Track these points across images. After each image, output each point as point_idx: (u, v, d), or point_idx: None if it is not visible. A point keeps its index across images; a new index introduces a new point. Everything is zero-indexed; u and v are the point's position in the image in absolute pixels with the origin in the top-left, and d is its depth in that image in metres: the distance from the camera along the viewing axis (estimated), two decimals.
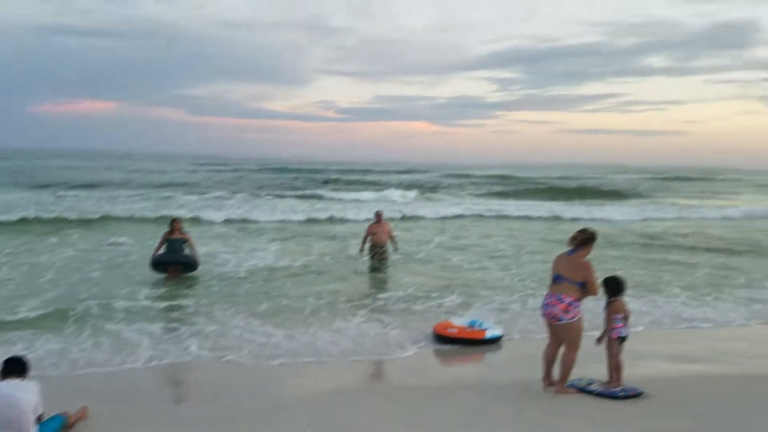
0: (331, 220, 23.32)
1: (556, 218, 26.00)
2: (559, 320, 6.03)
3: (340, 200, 32.67)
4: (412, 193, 38.37)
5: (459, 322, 8.48)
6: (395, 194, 36.99)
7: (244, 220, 21.80)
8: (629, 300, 10.38)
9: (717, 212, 29.40)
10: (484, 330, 8.27)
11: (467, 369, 7.72)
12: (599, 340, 6.34)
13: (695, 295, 11.42)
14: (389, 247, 13.09)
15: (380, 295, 10.98)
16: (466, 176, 63.65)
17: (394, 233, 13.45)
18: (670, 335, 9.01)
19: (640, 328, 9.04)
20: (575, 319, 5.99)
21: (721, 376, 6.98)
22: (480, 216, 26.04)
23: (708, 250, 17.38)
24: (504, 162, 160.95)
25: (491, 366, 7.87)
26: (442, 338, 8.23)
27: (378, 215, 13.23)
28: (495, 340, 8.27)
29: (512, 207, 29.34)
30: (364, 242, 13.10)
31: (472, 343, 8.13)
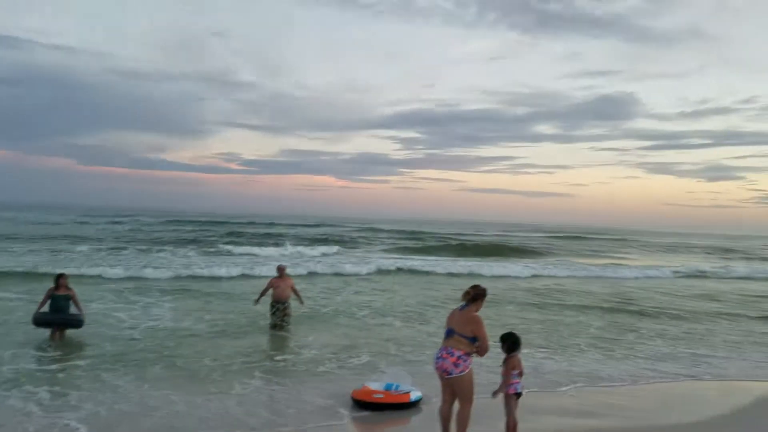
0: (232, 275, 22.65)
1: (460, 274, 26.71)
2: (449, 374, 6.11)
3: (242, 255, 31.93)
4: (321, 248, 37.47)
5: (376, 386, 8.17)
6: (304, 249, 36.46)
7: (139, 277, 20.72)
8: (541, 357, 10.91)
9: (601, 271, 31.34)
10: (408, 393, 8.08)
11: None
12: (495, 393, 6.53)
13: (598, 352, 11.97)
14: (292, 302, 12.86)
15: (282, 356, 10.77)
16: (374, 230, 64.24)
17: (298, 287, 13.30)
18: (569, 391, 9.26)
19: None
20: (465, 372, 6.07)
21: (609, 429, 7.40)
22: (387, 271, 26.33)
23: (596, 307, 18.27)
24: (409, 217, 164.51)
25: (402, 428, 7.74)
26: (365, 405, 7.88)
27: (280, 269, 12.99)
28: (417, 402, 8.10)
29: (417, 262, 29.91)
30: (262, 294, 12.72)
31: (396, 407, 7.89)
